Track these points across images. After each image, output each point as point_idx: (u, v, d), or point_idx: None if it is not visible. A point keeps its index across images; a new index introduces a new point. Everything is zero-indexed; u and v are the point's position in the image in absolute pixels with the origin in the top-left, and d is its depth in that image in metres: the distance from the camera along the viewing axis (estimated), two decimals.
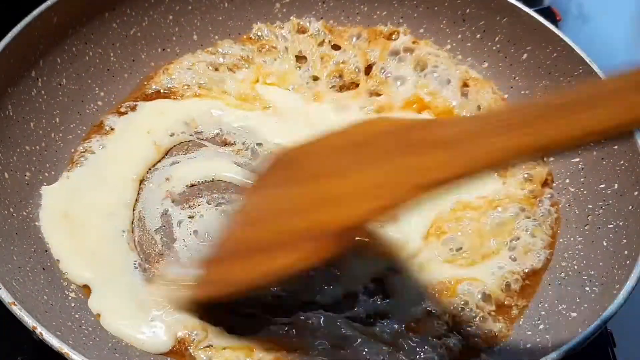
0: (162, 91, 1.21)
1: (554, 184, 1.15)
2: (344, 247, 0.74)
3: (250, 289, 0.89)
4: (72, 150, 1.12)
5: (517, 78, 1.24)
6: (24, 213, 1.02)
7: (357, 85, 1.25)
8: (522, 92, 1.23)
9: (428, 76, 1.24)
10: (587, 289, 0.98)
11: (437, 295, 0.99)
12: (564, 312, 0.97)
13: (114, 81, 1.21)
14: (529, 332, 0.97)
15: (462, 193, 1.10)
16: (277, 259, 0.76)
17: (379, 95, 1.23)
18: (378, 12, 1.33)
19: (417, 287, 1.00)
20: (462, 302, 0.98)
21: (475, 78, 1.26)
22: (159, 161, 1.12)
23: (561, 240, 1.08)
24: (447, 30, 1.30)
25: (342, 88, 1.25)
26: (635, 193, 1.01)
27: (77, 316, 0.92)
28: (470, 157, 0.68)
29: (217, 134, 1.17)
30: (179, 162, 1.13)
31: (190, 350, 0.92)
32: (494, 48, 1.27)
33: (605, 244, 1.02)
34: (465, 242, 1.04)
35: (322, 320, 0.95)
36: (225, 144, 1.15)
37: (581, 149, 1.00)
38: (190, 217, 1.06)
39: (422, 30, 1.31)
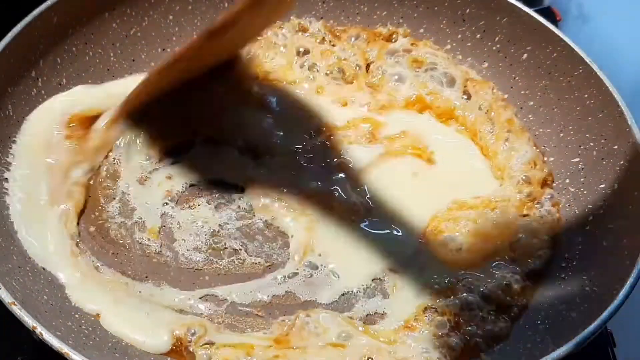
0: None
1: (554, 184, 1.15)
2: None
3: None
4: None
5: (517, 78, 1.24)
6: None
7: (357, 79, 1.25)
8: (522, 92, 1.24)
9: (426, 76, 1.24)
10: (587, 289, 0.98)
11: (436, 294, 0.99)
12: (564, 312, 0.97)
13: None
14: (529, 332, 0.97)
15: (458, 193, 1.11)
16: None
17: (379, 92, 1.24)
18: (378, 12, 1.33)
19: (417, 286, 1.01)
20: (463, 302, 0.98)
21: (475, 78, 1.26)
22: (159, 160, 1.12)
23: (561, 240, 1.07)
24: (447, 30, 1.30)
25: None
26: (635, 193, 1.01)
27: (77, 316, 0.92)
28: None
29: (218, 132, 1.16)
30: (179, 162, 1.12)
31: (190, 348, 0.92)
32: (494, 48, 1.27)
33: (605, 244, 1.02)
34: (464, 243, 1.04)
35: (321, 318, 0.95)
36: (225, 142, 1.15)
37: None
38: (190, 217, 1.06)
39: (422, 30, 1.31)
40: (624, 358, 1.11)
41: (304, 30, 1.30)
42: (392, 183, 1.12)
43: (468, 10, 1.27)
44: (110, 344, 0.91)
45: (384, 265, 1.03)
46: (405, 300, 0.99)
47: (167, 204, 1.07)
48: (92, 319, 0.93)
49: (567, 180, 1.14)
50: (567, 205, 1.11)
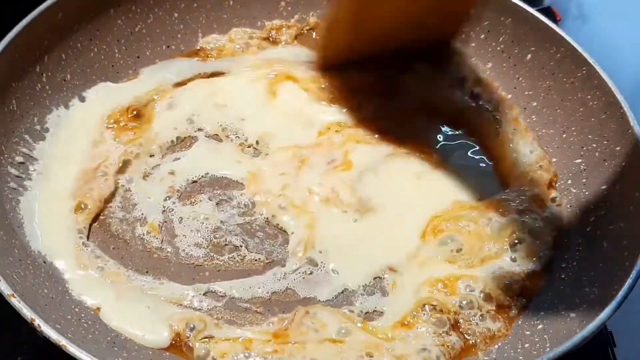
0: None
1: (557, 185, 1.14)
2: None
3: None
4: None
5: (520, 78, 1.24)
6: None
7: None
8: (526, 93, 1.24)
9: None
10: (586, 289, 0.98)
11: (436, 293, 0.99)
12: (563, 312, 0.96)
13: (118, 78, 1.21)
14: (528, 332, 0.96)
15: (461, 195, 1.11)
16: None
17: None
18: None
19: (417, 285, 1.00)
20: (462, 301, 0.98)
21: (479, 78, 1.26)
22: (162, 157, 1.13)
23: (562, 240, 1.07)
24: None
25: None
26: (637, 194, 1.01)
27: (76, 310, 0.93)
28: None
29: (220, 130, 1.17)
30: (180, 158, 1.13)
31: (189, 343, 0.92)
32: (498, 48, 1.27)
33: (605, 244, 1.02)
34: (465, 243, 1.04)
35: (320, 314, 0.95)
36: (227, 139, 1.16)
37: None
38: (192, 213, 1.07)
39: None
40: (624, 358, 1.10)
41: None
42: (394, 182, 1.12)
43: (472, 11, 1.26)
44: (109, 338, 0.91)
45: (384, 264, 1.03)
46: (404, 298, 0.99)
47: (169, 199, 1.08)
48: (92, 312, 0.94)
49: (570, 181, 1.14)
50: (568, 206, 1.11)
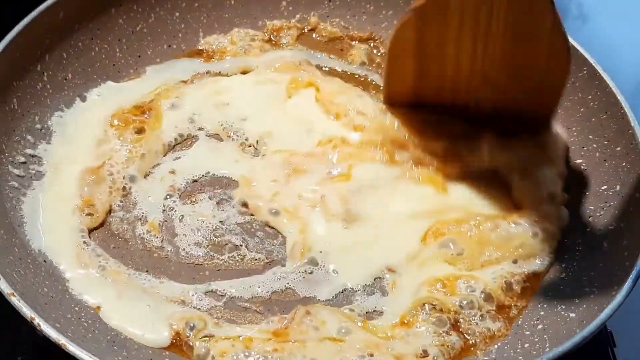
0: None
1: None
2: None
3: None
4: None
5: None
6: None
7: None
8: None
9: None
10: (586, 289, 0.98)
11: (435, 292, 0.99)
12: (563, 312, 0.96)
13: (119, 77, 1.21)
14: (527, 332, 0.96)
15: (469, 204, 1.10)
16: None
17: None
18: (384, 12, 1.34)
19: (417, 285, 1.00)
20: (462, 301, 0.98)
21: None
22: (163, 156, 1.13)
23: (562, 241, 1.07)
24: None
25: None
26: (637, 195, 1.01)
27: (76, 309, 0.93)
28: None
29: (221, 129, 1.17)
30: (181, 157, 1.13)
31: (189, 341, 0.92)
32: None
33: (605, 245, 1.02)
34: (466, 248, 1.03)
35: (320, 314, 0.95)
36: (228, 139, 1.16)
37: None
38: (192, 212, 1.07)
39: None
40: (624, 358, 1.10)
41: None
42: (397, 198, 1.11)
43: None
44: (109, 337, 0.91)
45: (384, 265, 1.03)
46: (404, 298, 0.99)
47: (169, 198, 1.08)
48: (92, 311, 0.94)
49: (570, 182, 1.13)
50: (569, 206, 1.11)
